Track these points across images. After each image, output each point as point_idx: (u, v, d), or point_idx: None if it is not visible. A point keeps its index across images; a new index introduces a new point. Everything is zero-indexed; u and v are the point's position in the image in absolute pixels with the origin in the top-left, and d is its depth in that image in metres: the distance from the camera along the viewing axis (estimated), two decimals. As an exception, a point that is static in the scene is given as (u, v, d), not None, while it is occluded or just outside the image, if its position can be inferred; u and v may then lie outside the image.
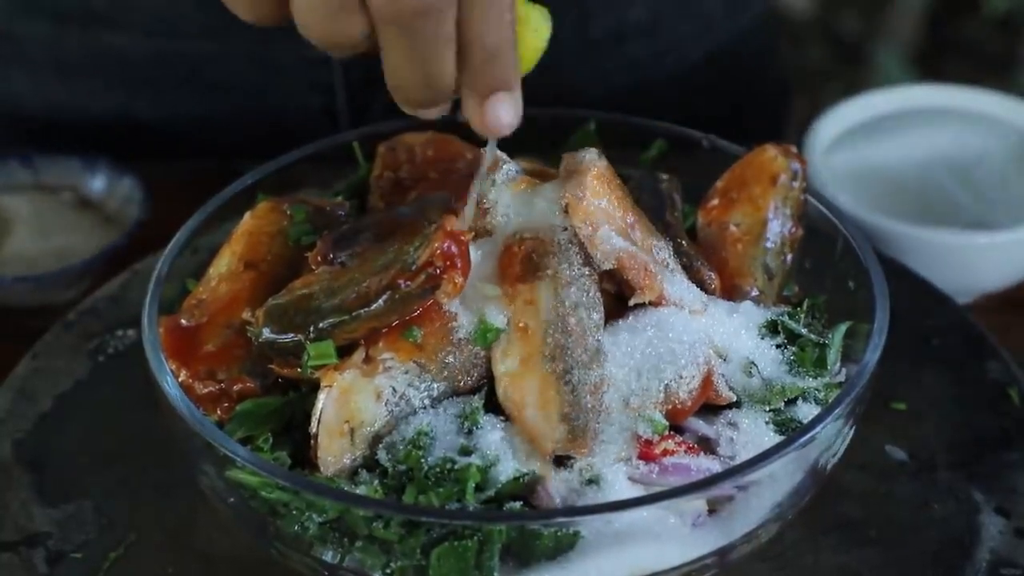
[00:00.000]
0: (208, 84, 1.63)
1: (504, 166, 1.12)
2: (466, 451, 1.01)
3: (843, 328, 1.14)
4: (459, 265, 1.03)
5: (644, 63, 1.67)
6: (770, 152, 1.21)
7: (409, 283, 1.02)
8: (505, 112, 0.96)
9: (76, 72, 1.63)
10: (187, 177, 1.51)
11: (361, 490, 1.01)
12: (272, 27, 1.54)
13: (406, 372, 1.04)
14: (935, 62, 3.38)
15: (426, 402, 1.05)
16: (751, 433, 1.06)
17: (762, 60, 1.82)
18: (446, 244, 1.02)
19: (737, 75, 1.76)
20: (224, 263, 1.15)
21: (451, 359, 1.05)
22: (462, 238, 1.04)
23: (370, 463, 1.03)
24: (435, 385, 1.05)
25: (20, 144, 1.61)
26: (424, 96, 0.97)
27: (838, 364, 1.13)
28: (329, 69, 1.60)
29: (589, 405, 1.02)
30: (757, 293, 1.16)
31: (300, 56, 1.59)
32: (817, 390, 1.09)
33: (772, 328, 1.12)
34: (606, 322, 1.07)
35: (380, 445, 1.03)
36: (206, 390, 1.08)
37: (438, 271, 1.02)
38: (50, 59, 1.63)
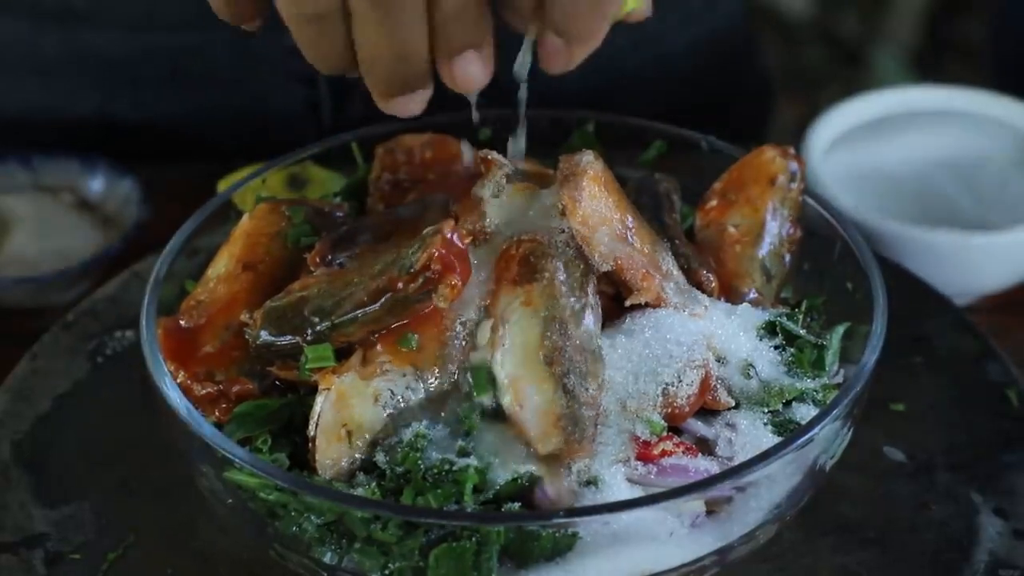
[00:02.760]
0: (189, 78, 1.62)
1: (501, 168, 1.12)
2: (464, 452, 1.01)
3: (841, 329, 1.14)
4: (457, 269, 1.03)
5: (623, 53, 1.67)
6: (768, 153, 1.21)
7: (407, 286, 1.02)
8: (474, 69, 0.97)
9: (55, 72, 1.62)
10: (186, 178, 1.51)
11: (359, 492, 1.01)
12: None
13: (404, 375, 1.04)
14: (934, 63, 3.38)
15: (424, 403, 1.05)
16: (749, 434, 1.06)
17: (742, 55, 1.82)
18: (444, 248, 1.02)
19: (716, 68, 1.75)
20: (222, 264, 1.15)
21: (449, 363, 1.05)
22: (461, 242, 1.04)
23: (368, 466, 1.03)
24: (433, 389, 1.05)
25: (2, 146, 1.60)
26: (398, 73, 0.96)
27: (836, 365, 1.13)
28: None
29: (587, 409, 1.02)
30: (755, 294, 1.16)
31: (282, 47, 1.58)
32: (815, 391, 1.09)
33: (770, 329, 1.12)
34: (604, 324, 1.07)
35: (378, 447, 1.03)
36: (204, 391, 1.08)
37: (435, 275, 1.02)
38: (28, 60, 1.62)
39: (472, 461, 1.00)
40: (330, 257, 1.10)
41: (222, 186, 1.40)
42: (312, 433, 1.03)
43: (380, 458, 1.02)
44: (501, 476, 1.00)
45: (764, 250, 1.18)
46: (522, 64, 1.06)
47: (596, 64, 1.65)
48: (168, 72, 1.62)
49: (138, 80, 1.62)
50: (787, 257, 1.20)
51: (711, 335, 1.09)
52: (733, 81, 1.80)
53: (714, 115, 1.74)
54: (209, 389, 1.08)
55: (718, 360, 1.09)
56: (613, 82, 1.66)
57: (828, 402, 1.07)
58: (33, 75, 1.63)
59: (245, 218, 1.19)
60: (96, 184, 1.54)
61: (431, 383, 1.05)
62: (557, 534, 0.98)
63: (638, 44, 1.68)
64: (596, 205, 1.09)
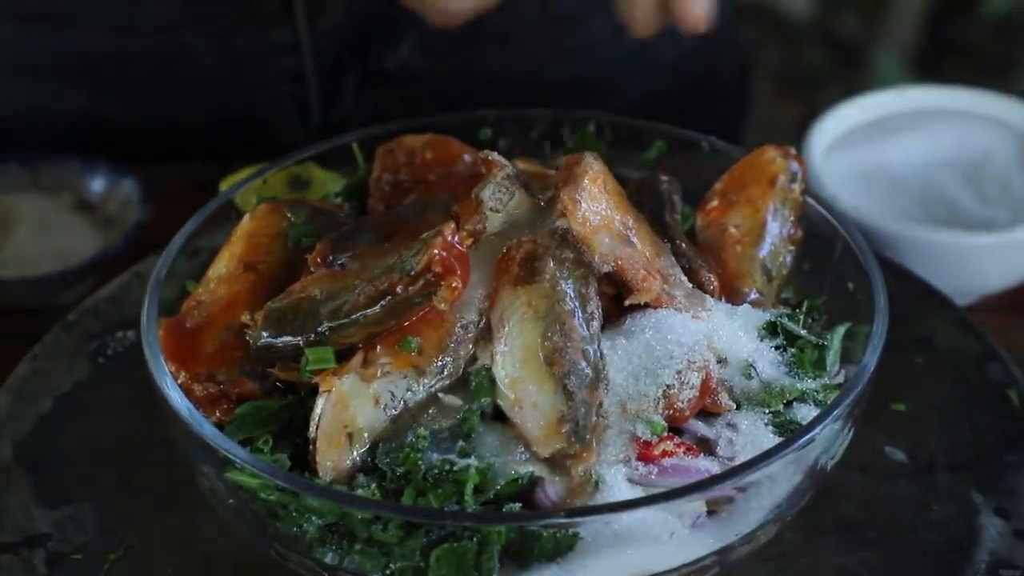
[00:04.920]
0: (176, 79, 1.61)
1: (502, 169, 1.12)
2: (465, 453, 1.01)
3: (842, 329, 1.14)
4: (457, 271, 1.03)
5: (605, 41, 1.67)
6: (769, 153, 1.21)
7: (407, 289, 1.02)
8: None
9: (41, 74, 1.62)
10: (187, 179, 1.51)
11: (359, 493, 1.00)
12: (240, 16, 1.53)
13: (404, 377, 1.04)
14: (934, 64, 3.38)
15: (424, 404, 1.04)
16: (750, 434, 1.06)
17: (721, 41, 1.82)
18: (444, 250, 1.02)
19: (696, 55, 1.75)
20: (223, 265, 1.15)
21: (449, 364, 1.05)
22: (461, 245, 1.04)
23: (368, 467, 1.03)
24: (433, 390, 1.05)
25: None
26: None
27: (837, 365, 1.13)
28: (299, 55, 1.59)
29: (587, 409, 1.02)
30: (756, 295, 1.16)
31: (268, 44, 1.58)
32: (816, 391, 1.09)
33: (771, 330, 1.12)
34: (604, 324, 1.07)
35: (379, 449, 1.03)
36: (205, 392, 1.08)
37: (436, 277, 1.02)
38: (13, 61, 1.62)
39: (473, 461, 1.00)
40: (331, 258, 1.10)
41: (224, 186, 1.40)
42: (313, 435, 1.03)
43: (381, 459, 1.02)
44: (502, 476, 1.00)
45: (765, 250, 1.18)
46: None
47: (577, 53, 1.66)
48: (154, 72, 1.61)
49: (124, 80, 1.61)
50: (788, 257, 1.20)
51: (712, 336, 1.09)
52: (713, 67, 1.80)
53: (693, 101, 1.74)
54: (210, 389, 1.08)
55: (719, 361, 1.09)
56: (595, 70, 1.66)
57: (829, 402, 1.07)
58: (19, 76, 1.63)
59: (246, 218, 1.18)
60: (97, 184, 1.54)
61: (431, 385, 1.05)
62: (558, 534, 0.98)
63: (619, 32, 1.68)
64: (596, 206, 1.09)
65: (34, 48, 1.60)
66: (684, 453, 1.04)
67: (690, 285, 1.12)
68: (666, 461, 1.03)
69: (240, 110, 1.63)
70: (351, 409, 1.03)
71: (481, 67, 1.44)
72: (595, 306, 1.06)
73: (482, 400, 1.04)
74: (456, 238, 1.04)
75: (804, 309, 1.16)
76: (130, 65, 1.61)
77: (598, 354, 1.05)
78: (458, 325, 1.06)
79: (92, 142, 1.58)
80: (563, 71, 1.65)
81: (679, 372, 1.05)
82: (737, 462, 1.03)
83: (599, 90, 1.63)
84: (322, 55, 1.59)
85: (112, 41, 1.59)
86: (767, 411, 1.08)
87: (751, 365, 1.09)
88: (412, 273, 1.02)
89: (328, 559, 1.00)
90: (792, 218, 1.20)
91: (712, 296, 1.14)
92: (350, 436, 1.03)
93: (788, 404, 1.09)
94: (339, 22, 1.57)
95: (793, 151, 1.22)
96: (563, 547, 0.98)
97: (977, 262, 1.41)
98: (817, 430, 1.01)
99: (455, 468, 1.00)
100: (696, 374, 1.06)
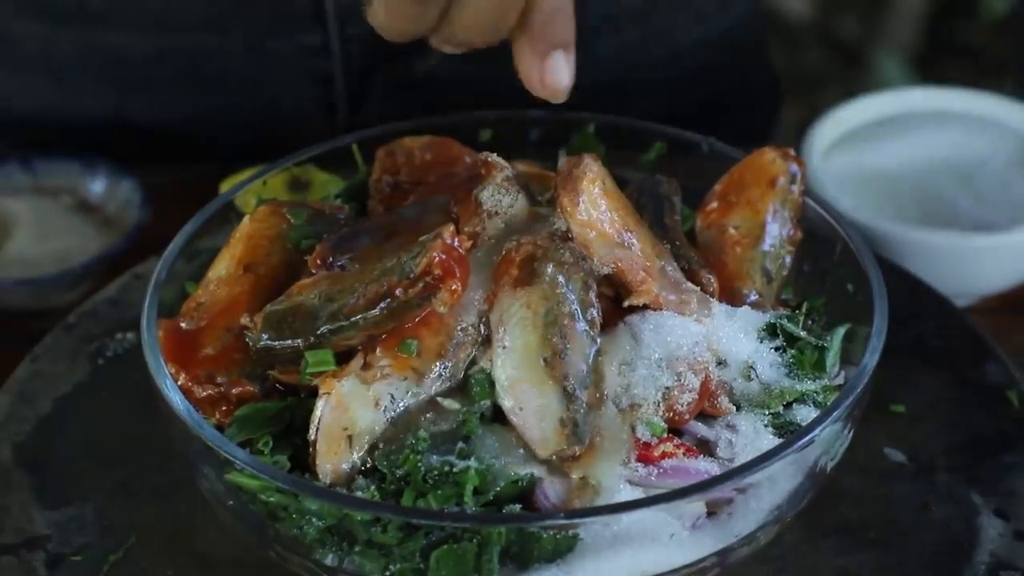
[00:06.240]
0: (204, 79, 1.62)
1: (502, 171, 1.12)
2: (465, 455, 1.01)
3: (842, 331, 1.14)
4: (457, 273, 1.03)
5: (635, 49, 1.67)
6: (769, 155, 1.21)
7: (407, 291, 1.02)
8: (561, 71, 0.98)
9: (69, 72, 1.62)
10: (187, 180, 1.51)
11: (359, 495, 1.00)
12: (269, 17, 1.53)
13: (404, 379, 1.04)
14: (934, 65, 3.38)
15: (424, 406, 1.05)
16: (750, 436, 1.06)
17: (751, 54, 1.82)
18: (444, 252, 1.02)
19: (726, 66, 1.76)
20: (223, 266, 1.15)
21: (449, 366, 1.05)
22: (461, 247, 1.04)
23: (368, 469, 1.03)
24: (433, 392, 1.05)
25: (11, 147, 1.60)
26: (484, 39, 1.00)
27: (837, 367, 1.13)
28: (328, 59, 1.59)
29: (587, 411, 1.02)
30: (756, 296, 1.16)
31: (297, 47, 1.58)
32: (816, 393, 1.09)
33: (771, 331, 1.12)
34: (604, 326, 1.07)
35: (378, 451, 1.03)
36: (205, 393, 1.08)
37: (435, 280, 1.02)
38: (43, 60, 1.62)
39: (472, 463, 1.00)
40: (331, 259, 1.10)
41: (224, 188, 1.41)
42: (312, 437, 1.03)
43: (380, 461, 1.02)
44: (502, 477, 1.00)
45: (764, 251, 1.18)
46: None
47: (607, 61, 1.66)
48: (182, 73, 1.62)
49: (152, 81, 1.62)
50: (787, 258, 1.20)
51: (711, 337, 1.09)
52: (742, 79, 1.81)
53: (723, 113, 1.75)
54: (210, 391, 1.08)
55: (719, 363, 1.09)
56: (624, 79, 1.67)
57: (829, 404, 1.07)
58: (47, 75, 1.63)
59: (246, 220, 1.18)
60: (97, 186, 1.54)
61: (431, 387, 1.05)
62: (558, 535, 0.98)
63: (649, 41, 1.68)
64: (596, 207, 1.09)
65: (64, 47, 1.61)
66: (684, 454, 1.04)
67: (693, 287, 1.12)
68: (666, 462, 1.03)
69: (267, 112, 1.63)
70: (351, 411, 1.03)
71: (508, 73, 1.44)
72: (595, 308, 1.07)
73: (482, 402, 1.04)
74: (456, 240, 1.04)
75: (804, 310, 1.16)
76: (159, 65, 1.61)
77: (597, 356, 1.05)
78: (458, 328, 1.06)
79: (113, 143, 1.58)
80: (591, 78, 1.65)
81: (679, 374, 1.05)
82: (737, 463, 1.03)
83: (626, 98, 1.64)
84: (351, 59, 1.59)
85: (140, 41, 1.60)
86: (767, 412, 1.08)
87: (751, 367, 1.09)
88: (412, 276, 1.02)
89: (328, 561, 1.00)
90: (792, 219, 1.20)
91: (712, 297, 1.14)
92: (350, 438, 1.03)
93: (788, 405, 1.09)
94: (370, 28, 1.58)
95: (792, 152, 1.22)
96: (563, 548, 0.98)
97: (976, 263, 1.41)
98: (817, 431, 1.01)
99: (455, 470, 1.00)
100: (695, 376, 1.06)
